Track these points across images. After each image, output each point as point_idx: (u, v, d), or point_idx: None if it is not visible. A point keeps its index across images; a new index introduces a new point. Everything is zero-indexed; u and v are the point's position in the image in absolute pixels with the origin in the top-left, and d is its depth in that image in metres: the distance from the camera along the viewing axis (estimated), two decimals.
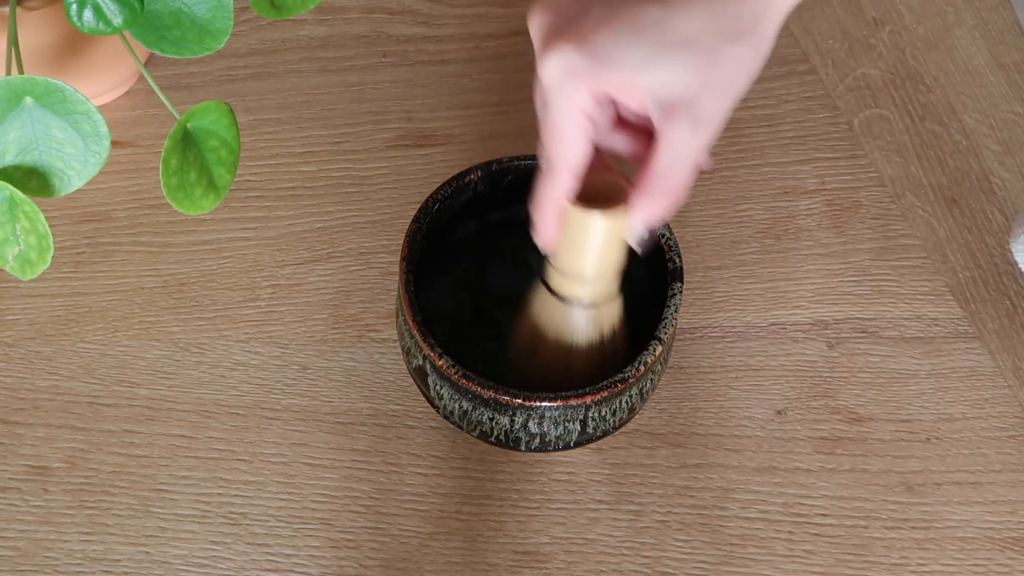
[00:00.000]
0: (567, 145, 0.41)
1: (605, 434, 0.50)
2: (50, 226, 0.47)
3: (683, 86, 0.39)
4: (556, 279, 0.46)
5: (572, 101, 0.40)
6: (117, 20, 0.46)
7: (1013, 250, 0.48)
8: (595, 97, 0.40)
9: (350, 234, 0.58)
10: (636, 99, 0.40)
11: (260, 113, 0.61)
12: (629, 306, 0.49)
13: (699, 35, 0.39)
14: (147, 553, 0.51)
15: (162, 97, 0.49)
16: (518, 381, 0.48)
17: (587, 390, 0.47)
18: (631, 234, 0.44)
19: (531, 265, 0.48)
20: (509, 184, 0.52)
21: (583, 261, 0.45)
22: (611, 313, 0.48)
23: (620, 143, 0.44)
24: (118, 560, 0.51)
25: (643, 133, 0.43)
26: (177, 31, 0.48)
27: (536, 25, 0.41)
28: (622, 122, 0.44)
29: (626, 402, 0.49)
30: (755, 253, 0.58)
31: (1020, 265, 0.48)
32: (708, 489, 0.52)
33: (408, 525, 0.51)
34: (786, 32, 0.64)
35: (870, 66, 0.64)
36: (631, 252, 0.51)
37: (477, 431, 0.49)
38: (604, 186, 0.44)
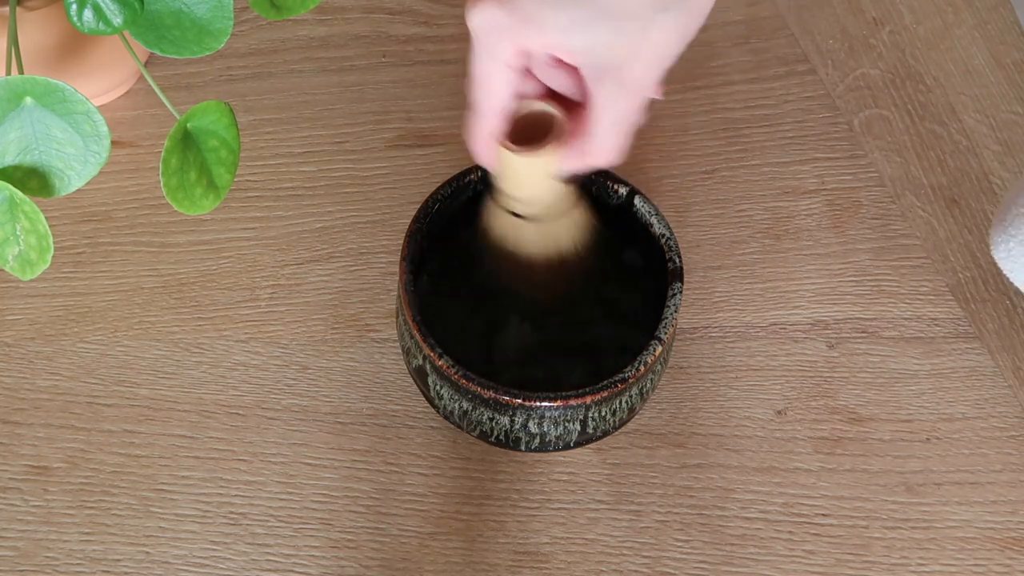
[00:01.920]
0: (490, 94, 0.43)
1: (605, 434, 0.50)
2: (50, 226, 0.47)
3: (610, 52, 0.40)
4: (504, 199, 0.48)
5: (493, 55, 0.41)
6: (117, 20, 0.46)
7: (995, 256, 0.48)
8: (519, 52, 0.41)
9: (350, 234, 0.58)
10: (564, 57, 0.41)
11: (260, 113, 0.61)
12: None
13: (629, 2, 0.39)
14: (147, 553, 0.51)
15: (162, 97, 0.49)
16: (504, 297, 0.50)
17: (587, 390, 0.47)
18: (565, 172, 0.45)
19: (483, 189, 0.49)
20: None
21: (518, 188, 0.47)
22: (563, 228, 0.49)
23: (561, 81, 0.44)
24: (118, 560, 0.51)
25: (580, 78, 0.44)
26: (177, 31, 0.48)
27: None
28: (561, 63, 0.44)
29: (626, 402, 0.49)
30: (755, 253, 0.58)
31: (1004, 270, 0.48)
32: (708, 489, 0.52)
33: (408, 525, 0.51)
34: (786, 32, 0.64)
35: (870, 66, 0.64)
36: (638, 252, 0.51)
37: (477, 431, 0.49)
38: (542, 116, 0.45)
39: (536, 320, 0.52)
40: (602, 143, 0.43)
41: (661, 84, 0.45)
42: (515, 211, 0.48)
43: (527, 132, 0.45)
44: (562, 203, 0.48)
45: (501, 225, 0.49)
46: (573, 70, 0.43)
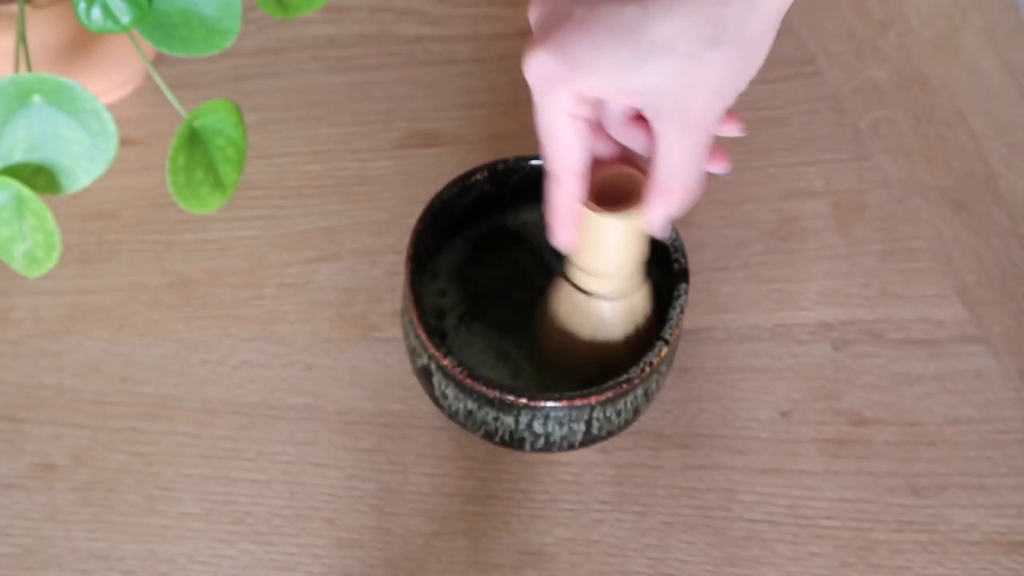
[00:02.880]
0: (561, 148, 0.42)
1: (610, 435, 0.50)
2: (57, 224, 0.47)
3: (664, 90, 0.39)
4: (579, 276, 0.47)
5: (554, 105, 0.41)
6: (125, 18, 0.46)
7: None
8: (577, 100, 0.40)
9: (356, 233, 0.58)
10: (622, 101, 0.41)
11: (267, 112, 0.61)
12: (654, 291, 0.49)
13: (677, 39, 0.38)
14: (152, 551, 0.51)
15: (169, 96, 0.49)
16: (554, 380, 0.49)
17: (592, 391, 0.47)
18: (650, 229, 0.44)
19: (551, 264, 0.49)
20: (515, 184, 0.52)
21: (604, 260, 0.45)
22: (639, 301, 0.48)
23: (635, 139, 0.44)
24: (123, 558, 0.51)
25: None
26: (185, 30, 0.48)
27: (532, 18, 0.41)
28: (637, 118, 0.44)
29: (631, 403, 0.49)
30: (760, 254, 0.58)
31: None
32: (712, 490, 0.52)
33: (412, 524, 0.52)
34: (793, 34, 0.64)
35: (877, 68, 0.63)
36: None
37: (482, 431, 0.49)
38: (622, 178, 0.44)
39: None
40: (675, 181, 0.42)
41: (737, 123, 0.44)
42: (588, 289, 0.47)
43: (608, 198, 0.43)
44: (641, 271, 0.47)
45: (576, 309, 0.47)
46: (645, 125, 0.43)
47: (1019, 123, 0.62)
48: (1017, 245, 0.59)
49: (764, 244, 0.58)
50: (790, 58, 0.64)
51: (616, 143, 0.45)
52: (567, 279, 0.47)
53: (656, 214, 0.43)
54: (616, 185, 0.44)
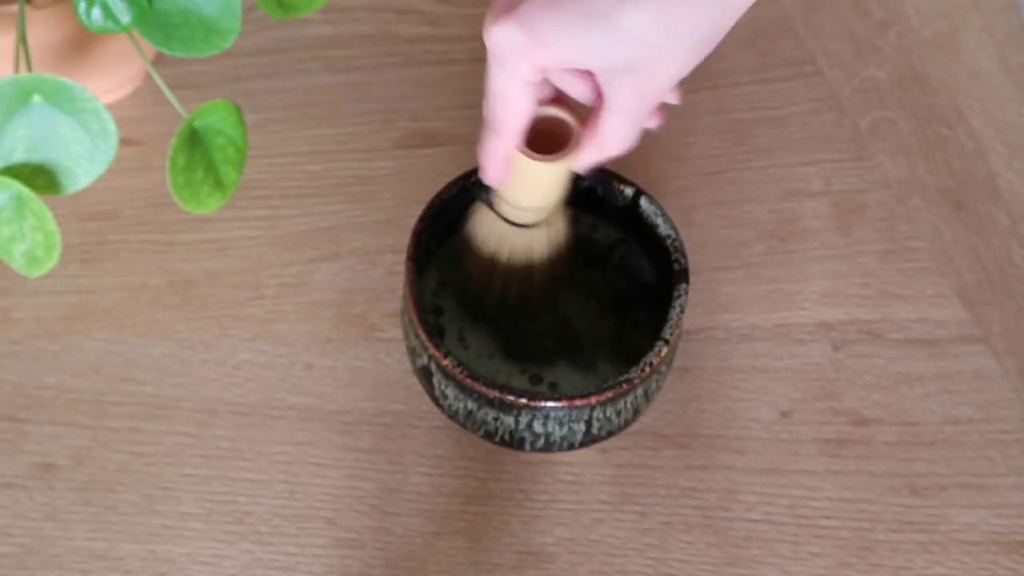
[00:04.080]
0: (510, 111, 0.43)
1: (610, 435, 0.50)
2: (57, 224, 0.47)
3: (626, 70, 0.41)
4: (506, 208, 0.48)
5: (513, 74, 0.42)
6: (125, 18, 0.46)
7: None
8: (536, 70, 0.41)
9: (356, 233, 0.58)
10: (577, 69, 0.41)
11: (267, 112, 0.61)
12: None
13: (647, 31, 0.39)
14: (152, 551, 0.51)
15: (169, 96, 0.49)
16: (480, 303, 0.51)
17: (592, 391, 0.47)
18: (578, 170, 0.46)
19: (476, 194, 0.49)
20: None
21: (532, 196, 0.47)
22: (560, 228, 0.50)
23: (573, 86, 0.45)
24: (123, 558, 0.51)
25: (594, 80, 0.44)
26: (185, 30, 0.48)
27: None
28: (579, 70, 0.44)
29: (631, 403, 0.49)
30: (760, 255, 0.58)
31: None
32: (713, 490, 0.52)
33: (412, 524, 0.52)
34: (793, 34, 0.64)
35: (877, 68, 0.63)
36: (643, 253, 0.51)
37: (482, 431, 0.49)
38: (552, 120, 0.46)
39: (541, 320, 0.52)
40: (615, 138, 0.44)
41: (677, 89, 0.45)
42: (517, 220, 0.48)
43: (536, 137, 0.45)
44: (559, 207, 0.49)
45: (498, 234, 0.49)
46: (584, 75, 0.44)
47: (1019, 123, 0.62)
48: (1017, 245, 0.59)
49: (764, 244, 0.58)
50: (790, 58, 0.64)
51: (552, 86, 0.45)
52: (494, 210, 0.49)
53: (587, 160, 0.45)
54: (545, 125, 0.46)
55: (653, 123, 0.46)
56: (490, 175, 0.46)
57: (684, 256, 0.50)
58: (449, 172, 0.53)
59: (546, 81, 0.45)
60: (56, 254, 0.47)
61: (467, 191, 0.51)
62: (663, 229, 0.50)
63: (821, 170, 0.60)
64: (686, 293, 0.49)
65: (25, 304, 0.56)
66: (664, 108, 0.46)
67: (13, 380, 0.54)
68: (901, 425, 0.54)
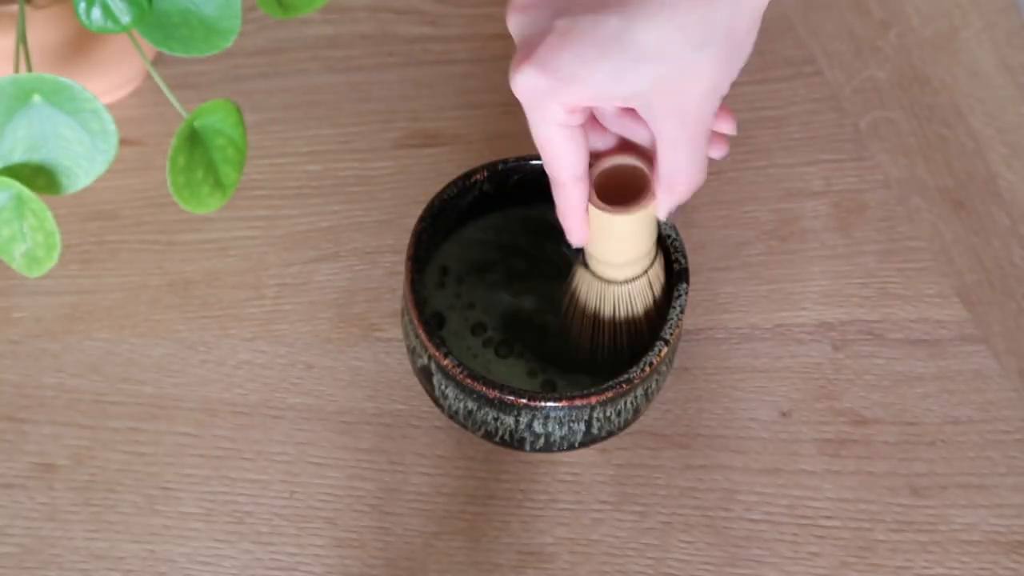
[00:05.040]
0: (560, 157, 0.42)
1: (610, 435, 0.50)
2: (57, 224, 0.47)
3: (656, 92, 0.40)
4: (598, 266, 0.47)
5: (547, 119, 0.41)
6: (125, 18, 0.46)
7: None
8: (569, 111, 0.41)
9: (356, 233, 0.58)
10: (615, 105, 0.41)
11: (267, 112, 0.61)
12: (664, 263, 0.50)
13: (665, 46, 0.38)
14: (152, 551, 0.51)
15: (169, 96, 0.49)
16: (585, 364, 0.50)
17: (592, 391, 0.47)
18: (659, 215, 0.45)
19: (568, 253, 0.49)
20: (515, 184, 0.52)
21: (618, 251, 0.46)
22: (654, 275, 0.49)
23: (632, 129, 0.44)
24: (123, 558, 0.51)
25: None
26: (185, 30, 0.48)
27: (512, 30, 0.41)
28: (631, 110, 0.44)
29: (631, 403, 0.49)
30: (760, 255, 0.58)
31: None
32: (713, 490, 0.52)
33: (412, 524, 0.52)
34: (793, 34, 0.64)
35: (877, 68, 0.63)
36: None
37: (482, 431, 0.49)
38: (624, 168, 0.45)
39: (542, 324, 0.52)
40: (679, 173, 0.43)
41: (730, 118, 0.45)
42: (611, 277, 0.47)
43: (609, 191, 0.44)
44: (655, 249, 0.48)
45: (598, 294, 0.48)
46: (635, 115, 0.43)
47: (1019, 123, 0.62)
48: (1017, 245, 0.59)
49: (764, 244, 0.58)
50: (790, 58, 0.64)
51: (613, 134, 0.45)
52: (587, 269, 0.48)
53: (664, 204, 0.44)
54: (619, 175, 0.45)
55: (717, 153, 0.45)
56: (571, 232, 0.45)
57: (684, 256, 0.50)
58: (449, 172, 0.53)
59: (606, 130, 0.44)
60: (56, 254, 0.47)
61: (467, 191, 0.51)
62: (663, 229, 0.50)
63: (821, 170, 0.60)
64: (686, 293, 0.49)
65: (25, 304, 0.56)
66: (725, 138, 0.45)
67: (13, 380, 0.54)
68: (901, 425, 0.54)
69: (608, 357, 0.50)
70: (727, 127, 0.45)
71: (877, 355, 0.56)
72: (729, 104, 0.62)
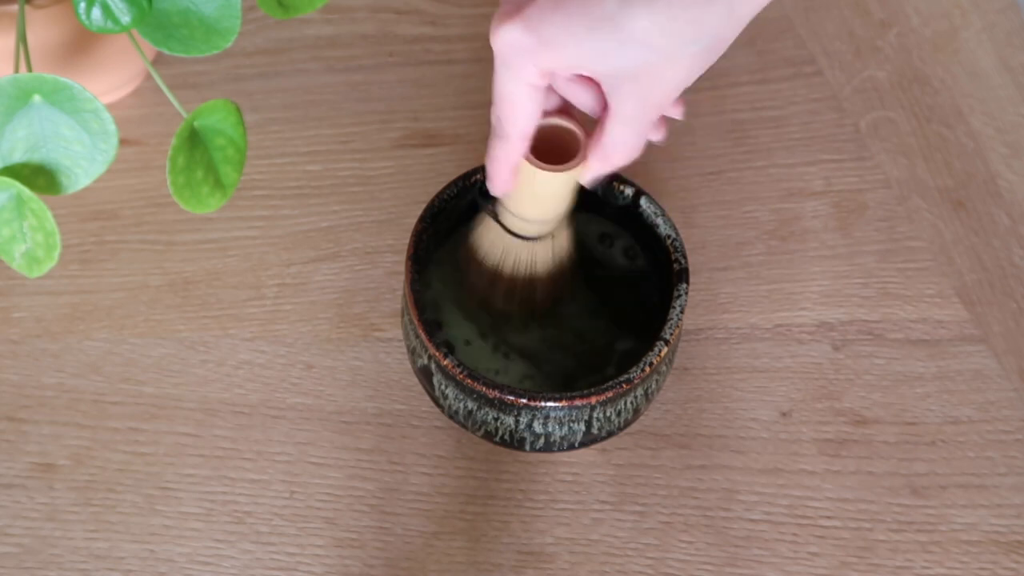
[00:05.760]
0: (516, 114, 0.43)
1: (610, 435, 0.50)
2: (57, 224, 0.47)
3: (630, 75, 0.40)
4: (510, 219, 0.48)
5: (519, 76, 0.41)
6: (125, 18, 0.46)
7: None
8: (542, 73, 0.41)
9: (356, 233, 0.58)
10: (586, 74, 0.41)
11: (267, 112, 0.61)
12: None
13: (654, 35, 0.39)
14: (151, 551, 0.51)
15: (169, 96, 0.49)
16: (479, 313, 0.51)
17: (592, 391, 0.47)
18: (584, 182, 0.46)
19: (479, 204, 0.50)
20: None
21: (539, 207, 0.47)
22: (564, 242, 0.49)
23: (579, 95, 0.44)
24: (123, 557, 0.51)
25: (600, 89, 0.44)
26: (185, 30, 0.48)
27: None
28: (584, 78, 0.44)
29: (631, 403, 0.49)
30: (761, 254, 0.58)
31: None
32: (713, 490, 0.52)
33: (412, 524, 0.52)
34: (793, 34, 0.64)
35: (877, 68, 0.63)
36: (643, 253, 0.51)
37: (482, 431, 0.49)
38: (557, 130, 0.45)
39: (540, 323, 0.52)
40: (621, 149, 0.43)
41: (680, 106, 0.45)
42: (521, 232, 0.48)
43: (543, 149, 0.45)
44: (564, 220, 0.49)
45: (505, 248, 0.49)
46: (590, 83, 0.44)
47: (1019, 123, 0.62)
48: (1017, 245, 0.59)
49: (764, 244, 0.58)
50: (790, 58, 0.64)
51: (557, 95, 0.45)
52: (498, 221, 0.49)
53: (594, 171, 0.45)
54: (552, 136, 0.45)
55: (657, 136, 0.45)
56: (497, 183, 0.46)
57: (684, 256, 0.50)
58: (449, 172, 0.53)
59: (552, 91, 0.45)
60: (56, 254, 0.47)
61: (467, 191, 0.51)
62: (663, 229, 0.50)
63: (821, 170, 0.60)
64: (686, 293, 0.49)
65: (25, 304, 0.56)
66: (666, 120, 0.46)
67: (13, 380, 0.54)
68: (901, 425, 0.54)
69: (499, 310, 0.51)
70: (676, 112, 0.46)
71: (877, 355, 0.56)
72: (729, 104, 0.63)
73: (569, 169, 0.45)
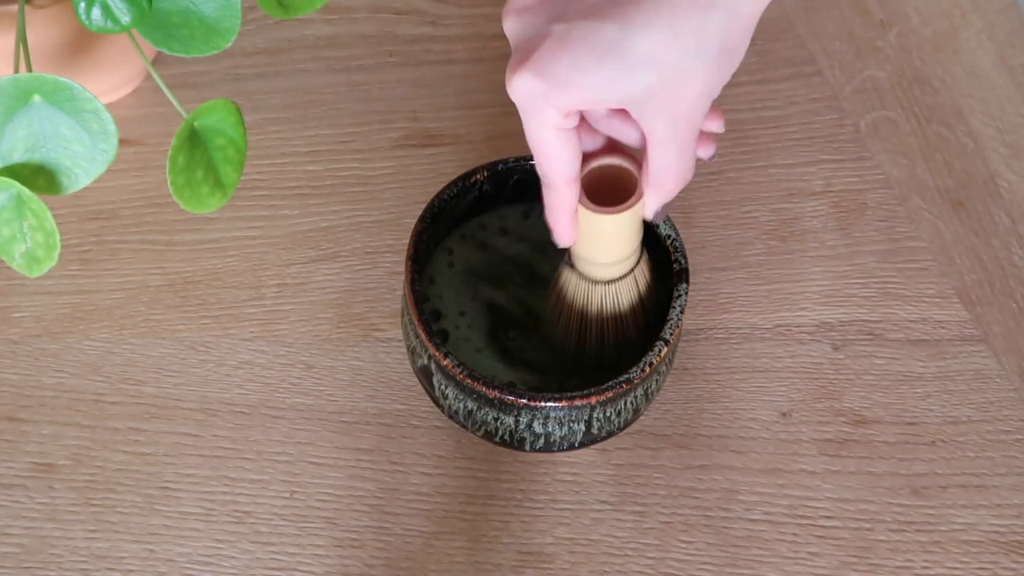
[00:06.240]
0: (554, 160, 0.43)
1: (610, 435, 0.50)
2: (57, 224, 0.47)
3: (650, 97, 0.40)
4: (584, 265, 0.47)
5: (542, 122, 0.41)
6: (125, 18, 0.46)
7: None
8: (565, 114, 0.41)
9: (356, 233, 0.58)
10: (610, 107, 0.41)
11: (267, 112, 0.61)
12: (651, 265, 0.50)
13: (660, 53, 0.39)
14: (151, 551, 0.51)
15: (169, 96, 0.49)
16: (573, 365, 0.50)
17: (592, 391, 0.47)
18: (646, 214, 0.45)
19: (554, 254, 0.49)
20: (515, 184, 0.52)
21: (605, 250, 0.46)
22: (640, 274, 0.49)
23: (620, 130, 0.44)
24: (123, 557, 0.51)
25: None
26: (185, 30, 0.48)
27: (508, 33, 0.42)
28: (621, 111, 0.44)
29: (631, 403, 0.49)
30: (761, 255, 0.58)
31: None
32: (712, 490, 0.52)
33: (412, 524, 0.52)
34: (793, 34, 0.64)
35: (877, 68, 0.63)
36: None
37: (482, 431, 0.49)
38: (611, 169, 0.45)
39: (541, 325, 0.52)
40: (668, 172, 0.43)
41: (719, 118, 0.45)
42: (596, 277, 0.48)
43: (603, 191, 0.45)
44: (640, 248, 0.48)
45: (584, 294, 0.48)
46: (629, 116, 0.43)
47: (1019, 123, 0.62)
48: (1017, 245, 0.59)
49: (764, 244, 0.58)
50: (790, 58, 0.64)
51: (601, 135, 0.45)
52: (574, 269, 0.48)
53: (652, 203, 0.45)
54: (606, 175, 0.45)
55: (705, 153, 0.45)
56: (559, 233, 0.45)
57: (684, 256, 0.50)
58: (449, 172, 0.53)
59: (594, 131, 0.45)
60: (56, 254, 0.47)
61: (467, 191, 0.51)
62: (663, 229, 0.50)
63: (821, 170, 0.60)
64: (686, 293, 0.49)
65: (25, 304, 0.56)
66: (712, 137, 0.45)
67: (13, 380, 0.54)
68: (901, 425, 0.54)
69: (595, 357, 0.50)
70: (715, 126, 0.45)
71: (877, 355, 0.56)
72: (729, 104, 0.63)
73: (629, 207, 0.44)
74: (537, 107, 0.41)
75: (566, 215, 0.45)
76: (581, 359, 0.50)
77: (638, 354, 0.48)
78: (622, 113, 0.44)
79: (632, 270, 0.48)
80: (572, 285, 0.48)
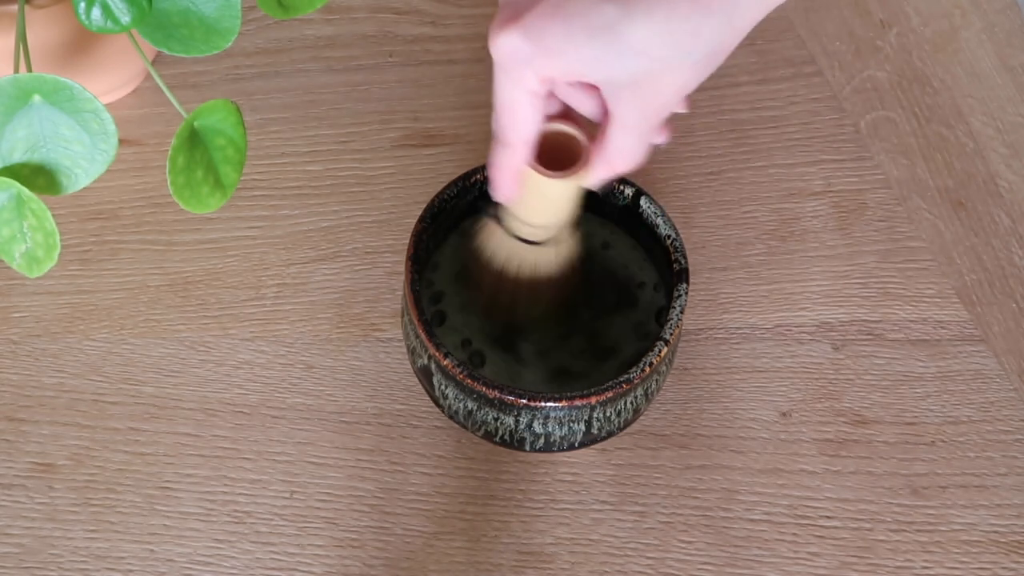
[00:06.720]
0: (517, 121, 0.43)
1: (610, 435, 0.50)
2: (57, 224, 0.47)
3: (631, 84, 0.40)
4: (515, 224, 0.48)
5: (519, 84, 0.41)
6: (125, 19, 0.46)
7: None
8: (542, 80, 0.41)
9: (356, 233, 0.58)
10: (585, 81, 0.41)
11: (267, 112, 0.61)
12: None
13: (652, 46, 0.39)
14: (151, 551, 0.51)
15: (169, 96, 0.49)
16: (490, 322, 0.51)
17: (592, 391, 0.47)
18: (589, 186, 0.46)
19: (483, 209, 0.50)
20: None
21: (543, 213, 0.47)
22: (570, 248, 0.49)
23: (581, 101, 0.44)
24: (123, 557, 0.51)
25: (601, 95, 0.44)
26: (185, 30, 0.48)
27: None
28: (586, 84, 0.44)
29: (631, 403, 0.49)
30: (761, 255, 0.58)
31: None
32: (713, 490, 0.52)
33: (412, 525, 0.52)
34: (793, 34, 0.64)
35: (877, 68, 0.63)
36: (643, 253, 0.51)
37: (482, 431, 0.49)
38: (561, 136, 0.45)
39: (540, 325, 0.52)
40: (623, 154, 0.43)
41: (685, 101, 0.45)
42: (526, 237, 0.48)
43: (546, 154, 0.45)
44: (571, 225, 0.49)
45: (506, 250, 0.49)
46: (592, 90, 0.43)
47: (1019, 123, 0.62)
48: (1017, 245, 0.59)
49: (764, 244, 0.58)
50: (790, 58, 0.64)
51: (558, 100, 0.45)
52: (503, 226, 0.49)
53: (597, 176, 0.45)
54: (555, 141, 0.45)
55: (660, 139, 0.45)
56: (501, 190, 0.46)
57: (684, 256, 0.50)
58: (449, 172, 0.53)
59: (554, 96, 0.45)
60: (56, 254, 0.47)
61: (467, 191, 0.51)
62: (663, 229, 0.50)
63: (821, 170, 0.60)
64: (686, 293, 0.49)
65: (25, 304, 0.56)
66: (671, 121, 0.46)
67: (13, 380, 0.54)
68: (901, 425, 0.54)
69: (504, 314, 0.51)
70: (680, 106, 0.45)
71: (877, 355, 0.56)
72: (729, 104, 0.63)
73: (573, 175, 0.45)
74: (518, 69, 0.41)
75: (512, 173, 0.45)
76: (488, 312, 0.51)
77: (548, 324, 0.49)
78: (590, 87, 0.44)
79: (556, 240, 0.48)
80: (497, 239, 0.49)
